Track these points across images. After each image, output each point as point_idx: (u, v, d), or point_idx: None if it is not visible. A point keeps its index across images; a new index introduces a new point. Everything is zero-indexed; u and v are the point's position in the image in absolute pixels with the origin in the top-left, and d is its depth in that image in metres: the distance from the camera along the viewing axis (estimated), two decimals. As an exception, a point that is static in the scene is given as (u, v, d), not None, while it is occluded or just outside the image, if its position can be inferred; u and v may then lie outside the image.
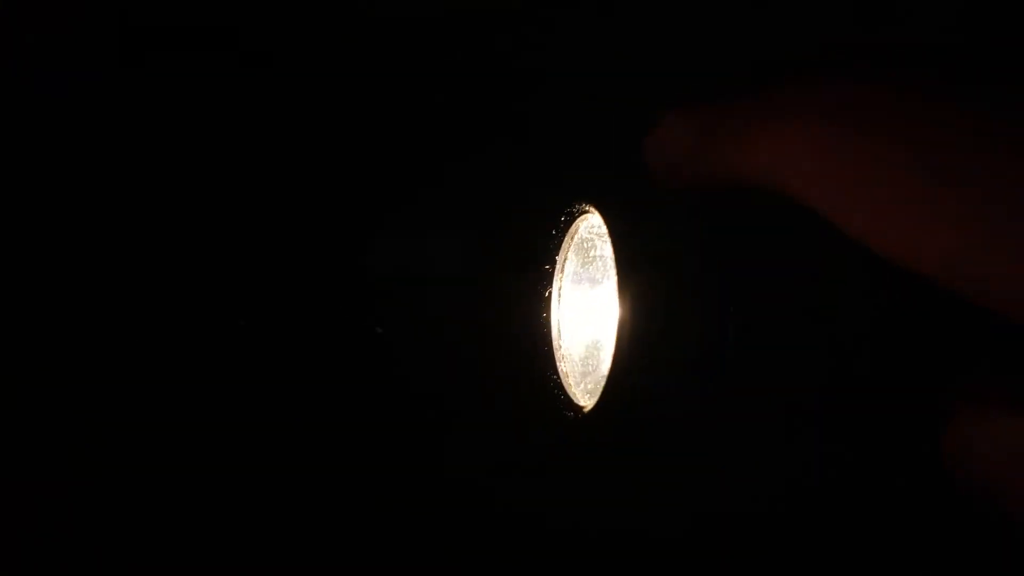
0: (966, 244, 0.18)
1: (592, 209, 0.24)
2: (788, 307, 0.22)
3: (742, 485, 0.23)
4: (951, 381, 0.21)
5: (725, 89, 0.22)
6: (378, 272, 0.38)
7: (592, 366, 0.25)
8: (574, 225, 0.26)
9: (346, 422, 0.39)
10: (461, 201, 0.38)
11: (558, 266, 0.27)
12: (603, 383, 0.22)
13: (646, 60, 0.35)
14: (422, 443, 0.38)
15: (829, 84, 0.21)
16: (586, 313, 0.26)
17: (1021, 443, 0.20)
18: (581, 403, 0.25)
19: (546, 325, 0.28)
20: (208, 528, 0.39)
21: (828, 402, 0.22)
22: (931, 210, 0.18)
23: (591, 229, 0.25)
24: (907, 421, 0.22)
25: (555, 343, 0.27)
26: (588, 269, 0.25)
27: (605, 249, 0.23)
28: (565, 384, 0.26)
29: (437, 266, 0.38)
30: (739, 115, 0.22)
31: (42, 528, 0.38)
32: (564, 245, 0.26)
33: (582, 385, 0.25)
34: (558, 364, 0.27)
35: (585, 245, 0.26)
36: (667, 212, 0.23)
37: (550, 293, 0.28)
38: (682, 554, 0.31)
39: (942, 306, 0.20)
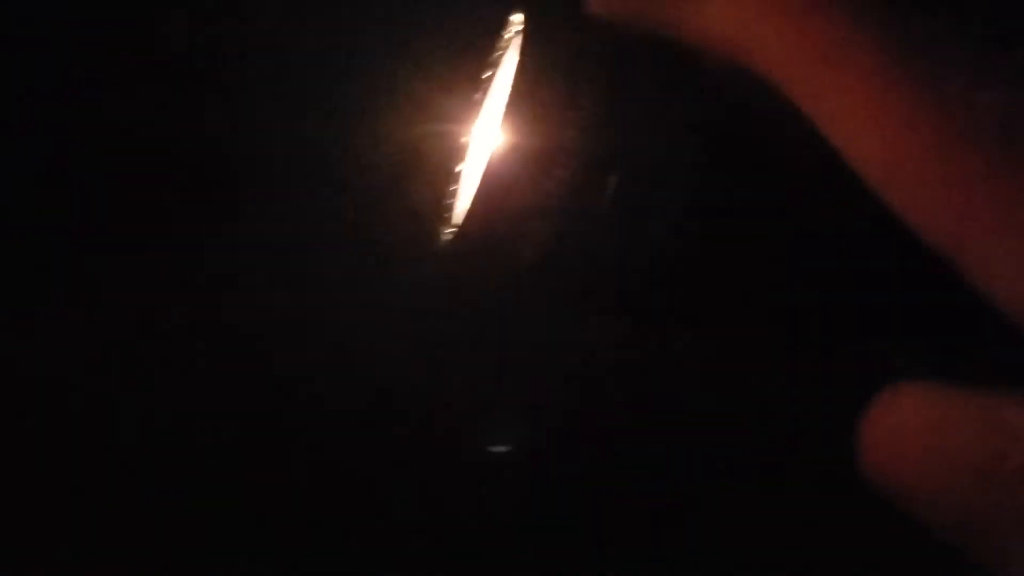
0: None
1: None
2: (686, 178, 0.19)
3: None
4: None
5: None
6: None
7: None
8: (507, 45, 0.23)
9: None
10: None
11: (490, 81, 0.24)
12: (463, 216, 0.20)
13: None
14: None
15: None
16: (487, 140, 0.23)
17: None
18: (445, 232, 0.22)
19: (468, 139, 0.25)
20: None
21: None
22: (913, 102, 0.16)
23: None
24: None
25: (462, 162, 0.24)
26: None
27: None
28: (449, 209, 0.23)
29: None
30: None
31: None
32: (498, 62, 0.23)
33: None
34: (454, 185, 0.24)
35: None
36: (585, 51, 0.19)
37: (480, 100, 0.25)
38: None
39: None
